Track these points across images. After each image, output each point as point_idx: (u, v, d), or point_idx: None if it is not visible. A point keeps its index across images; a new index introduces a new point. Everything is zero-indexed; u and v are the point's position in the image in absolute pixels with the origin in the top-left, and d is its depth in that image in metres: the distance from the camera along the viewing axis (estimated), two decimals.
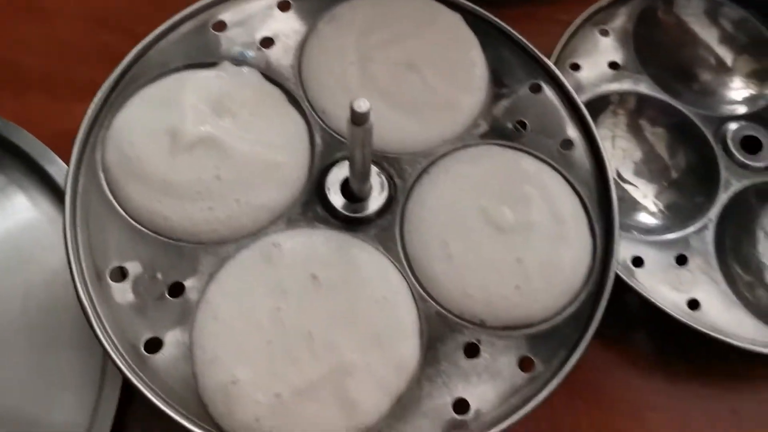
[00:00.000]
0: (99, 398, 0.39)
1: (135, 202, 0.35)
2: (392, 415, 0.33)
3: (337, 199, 0.36)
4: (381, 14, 0.41)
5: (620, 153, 0.49)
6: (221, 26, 0.40)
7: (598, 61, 0.50)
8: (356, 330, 0.33)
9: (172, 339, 0.33)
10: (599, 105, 0.49)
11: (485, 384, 0.34)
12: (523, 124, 0.40)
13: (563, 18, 0.52)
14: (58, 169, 0.45)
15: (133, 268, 0.34)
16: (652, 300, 0.41)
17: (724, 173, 0.48)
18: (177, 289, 0.34)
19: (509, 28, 0.42)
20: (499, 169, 0.39)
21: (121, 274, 0.34)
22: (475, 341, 0.35)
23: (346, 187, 0.37)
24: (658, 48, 0.52)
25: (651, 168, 0.49)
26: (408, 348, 0.34)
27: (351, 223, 0.36)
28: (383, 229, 0.37)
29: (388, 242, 0.36)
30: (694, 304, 0.43)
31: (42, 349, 0.41)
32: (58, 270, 0.42)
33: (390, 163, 0.38)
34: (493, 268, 0.36)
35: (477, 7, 0.42)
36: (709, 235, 0.46)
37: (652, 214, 0.48)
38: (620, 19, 0.52)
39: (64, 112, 0.48)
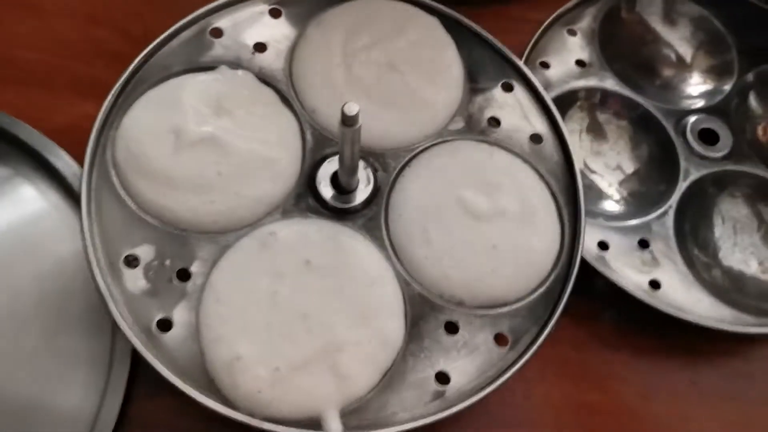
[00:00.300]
0: (108, 378, 0.42)
1: (143, 195, 0.38)
2: (380, 387, 0.36)
3: (327, 192, 0.40)
4: (364, 19, 0.44)
5: (587, 145, 0.51)
6: (218, 33, 0.43)
7: (566, 59, 0.52)
8: (347, 310, 0.37)
9: (181, 319, 0.36)
10: (567, 100, 0.51)
11: (464, 358, 0.37)
12: (497, 120, 0.44)
13: (535, 17, 0.54)
14: (63, 162, 0.46)
15: (144, 255, 0.37)
16: (616, 282, 0.44)
17: (683, 163, 0.50)
18: (183, 275, 0.37)
19: (482, 30, 0.45)
20: (475, 162, 0.42)
21: (133, 261, 0.37)
22: (454, 319, 0.38)
23: (335, 180, 0.40)
24: (621, 46, 0.55)
25: (616, 159, 0.51)
26: (394, 326, 0.37)
27: (340, 213, 0.40)
28: (370, 218, 0.40)
29: (374, 230, 0.40)
30: (655, 285, 0.46)
31: (54, 333, 0.43)
32: (67, 257, 0.44)
33: (375, 158, 0.41)
34: (470, 252, 0.39)
35: (452, 11, 0.45)
36: (670, 220, 0.48)
37: (617, 201, 0.50)
38: (587, 20, 0.54)
39: (65, 105, 0.50)
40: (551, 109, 0.44)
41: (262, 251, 0.37)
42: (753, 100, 0.54)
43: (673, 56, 0.55)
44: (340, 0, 0.45)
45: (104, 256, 0.37)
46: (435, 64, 0.44)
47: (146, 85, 0.41)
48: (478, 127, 0.43)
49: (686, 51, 0.56)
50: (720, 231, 0.50)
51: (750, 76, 0.55)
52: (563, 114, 0.49)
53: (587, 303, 0.47)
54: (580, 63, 0.53)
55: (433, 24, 0.45)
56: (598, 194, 0.50)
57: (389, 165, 0.41)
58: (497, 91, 0.44)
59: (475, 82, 0.44)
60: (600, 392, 0.46)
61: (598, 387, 0.47)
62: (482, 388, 0.36)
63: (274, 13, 0.44)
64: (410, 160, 0.42)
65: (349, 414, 0.35)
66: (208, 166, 0.38)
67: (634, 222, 0.48)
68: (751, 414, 0.47)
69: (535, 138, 0.43)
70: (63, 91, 0.52)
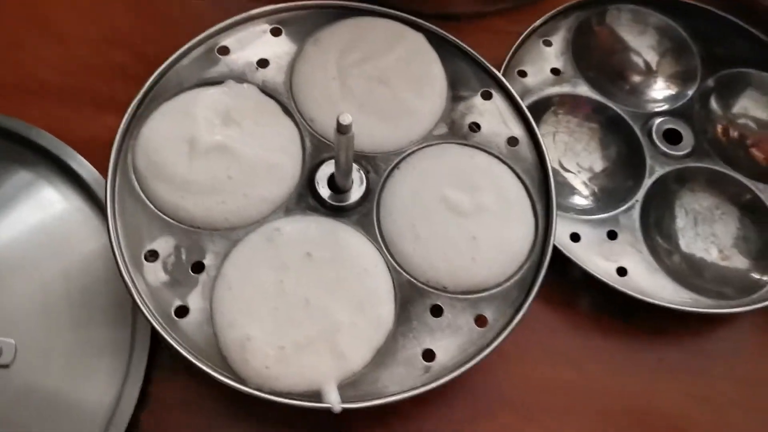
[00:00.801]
0: (129, 363, 0.46)
1: (161, 197, 0.43)
2: (374, 363, 0.41)
3: (324, 192, 0.44)
4: (357, 36, 0.49)
5: (562, 146, 0.55)
6: (224, 50, 0.48)
7: (542, 68, 0.57)
8: (343, 296, 0.41)
9: (196, 306, 0.41)
10: (543, 106, 0.55)
11: (448, 338, 0.42)
12: (478, 126, 0.48)
13: (514, 29, 0.58)
14: (83, 167, 0.50)
15: (162, 250, 0.42)
16: (587, 269, 0.49)
17: (649, 161, 0.54)
18: (198, 267, 0.42)
19: (464, 44, 0.50)
20: (457, 164, 0.46)
21: (152, 256, 0.41)
22: (439, 303, 0.43)
23: (332, 182, 0.44)
24: (593, 55, 0.59)
25: (588, 158, 0.55)
26: (385, 310, 0.42)
27: (337, 210, 0.44)
28: (363, 215, 0.45)
29: (367, 226, 0.44)
30: (622, 271, 0.50)
31: (81, 325, 0.47)
32: (90, 255, 0.49)
33: (367, 161, 0.46)
34: (453, 244, 0.44)
35: (437, 28, 0.50)
36: (636, 213, 0.52)
37: (588, 197, 0.54)
38: (561, 31, 0.59)
39: (86, 120, 0.54)
40: (526, 115, 0.48)
41: (268, 245, 0.42)
42: (714, 103, 0.58)
43: (640, 63, 0.59)
44: (335, 18, 0.50)
45: (127, 251, 0.41)
46: (421, 76, 0.49)
47: (162, 98, 0.45)
48: (460, 132, 0.48)
49: (653, 58, 0.59)
50: (682, 222, 0.54)
51: (711, 81, 0.58)
52: (539, 118, 0.55)
53: (561, 291, 0.51)
54: (555, 71, 0.57)
55: (419, 40, 0.50)
56: (571, 190, 0.54)
57: (380, 167, 0.46)
58: (478, 99, 0.49)
59: (457, 91, 0.49)
60: (575, 371, 0.50)
61: (573, 366, 0.50)
62: (464, 363, 0.41)
63: (275, 32, 0.49)
64: (399, 162, 0.46)
65: (345, 387, 0.40)
66: (220, 171, 0.43)
67: (603, 215, 0.52)
68: (713, 387, 0.51)
69: (512, 141, 0.48)
70: (84, 107, 0.55)
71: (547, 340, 0.51)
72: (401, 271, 0.43)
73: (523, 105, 0.49)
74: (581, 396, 0.50)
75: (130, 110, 0.44)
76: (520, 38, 0.56)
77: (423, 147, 0.47)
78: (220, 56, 0.47)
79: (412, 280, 0.43)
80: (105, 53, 0.58)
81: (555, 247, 0.46)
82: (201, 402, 0.46)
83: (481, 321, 0.43)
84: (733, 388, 0.51)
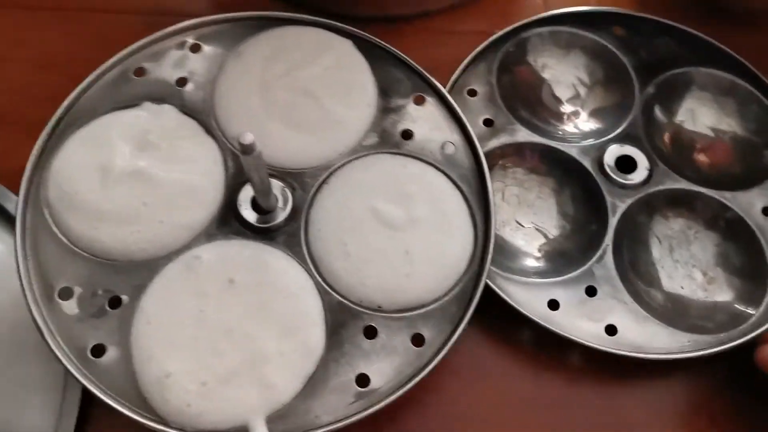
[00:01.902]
0: (63, 400, 0.44)
1: (74, 230, 0.41)
2: (304, 393, 0.39)
3: (248, 214, 0.42)
4: (281, 47, 0.47)
5: (515, 200, 0.51)
6: (141, 72, 0.46)
7: (474, 121, 0.51)
8: (270, 323, 0.39)
9: (114, 344, 0.39)
10: (488, 163, 0.46)
11: (383, 360, 0.40)
12: (410, 133, 0.46)
13: (458, 28, 0.57)
14: (10, 201, 0.48)
15: (77, 286, 0.40)
16: (575, 338, 0.44)
17: (608, 198, 0.49)
18: (115, 302, 0.40)
19: (394, 48, 0.48)
20: (389, 174, 0.45)
21: (67, 293, 0.40)
22: (373, 324, 0.41)
23: (255, 203, 0.42)
24: (522, 95, 0.54)
25: (545, 209, 0.51)
26: (315, 335, 0.40)
27: (262, 232, 0.42)
28: (290, 235, 0.43)
29: (294, 246, 0.42)
30: (611, 330, 0.45)
31: (13, 362, 0.45)
32: (19, 291, 0.47)
33: (293, 178, 0.44)
34: (385, 260, 0.42)
35: (365, 33, 0.48)
36: (609, 260, 0.48)
37: (553, 255, 0.49)
38: (482, 76, 0.53)
39: (17, 148, 0.53)
40: (461, 118, 0.46)
41: (187, 274, 0.40)
42: (658, 112, 0.54)
43: (572, 91, 0.55)
44: (258, 30, 0.48)
45: (41, 289, 0.40)
46: (348, 85, 0.47)
47: (74, 126, 0.43)
48: (392, 141, 0.46)
49: (586, 81, 0.56)
50: (658, 252, 0.50)
51: (651, 89, 0.54)
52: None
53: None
54: (487, 122, 0.52)
55: (347, 47, 0.48)
56: (534, 251, 0.50)
57: (307, 184, 0.44)
58: (410, 105, 0.47)
59: (388, 98, 0.47)
60: (531, 384, 0.48)
61: (529, 380, 0.48)
62: (400, 387, 0.39)
63: (195, 48, 0.47)
64: (327, 177, 0.44)
65: (275, 420, 0.38)
66: (134, 198, 0.41)
67: (576, 273, 0.47)
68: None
69: (447, 146, 0.46)
70: (14, 134, 0.54)
71: (501, 353, 0.49)
72: (331, 291, 0.41)
73: (457, 108, 0.46)
74: (540, 409, 0.47)
75: (40, 141, 0.42)
76: (446, 91, 0.49)
77: (352, 159, 0.45)
78: (136, 77, 0.46)
79: (343, 300, 0.41)
80: (40, 76, 0.56)
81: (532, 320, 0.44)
82: None
83: (418, 340, 0.41)
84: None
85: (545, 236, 0.50)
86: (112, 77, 0.46)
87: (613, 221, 0.49)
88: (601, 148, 0.52)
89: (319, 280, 0.41)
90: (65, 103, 0.44)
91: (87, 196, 0.41)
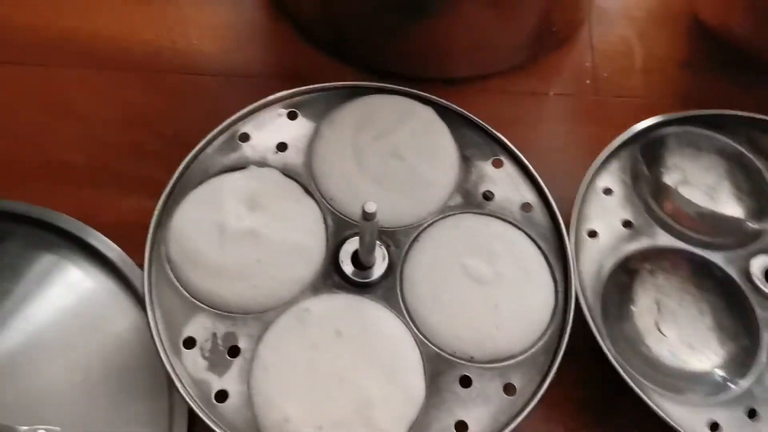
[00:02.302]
0: None
1: (195, 284, 0.44)
2: None
3: (349, 269, 0.46)
4: (369, 114, 0.51)
5: (655, 308, 0.50)
6: (245, 137, 0.50)
7: (611, 222, 0.51)
8: (375, 372, 0.43)
9: (235, 390, 0.42)
10: (630, 266, 0.48)
11: (478, 407, 0.43)
12: (491, 194, 0.50)
13: (513, 89, 0.61)
14: (107, 247, 0.52)
15: (199, 336, 0.43)
16: None
17: (759, 311, 0.48)
18: (234, 351, 0.43)
19: (470, 114, 0.52)
20: (474, 233, 0.48)
21: (190, 342, 0.43)
22: (467, 374, 0.44)
23: (355, 259, 0.46)
24: (657, 196, 0.53)
25: (689, 316, 0.50)
26: (415, 383, 0.43)
27: (362, 286, 0.46)
28: (387, 289, 0.46)
29: (392, 299, 0.46)
30: None
31: (121, 402, 0.48)
32: (124, 333, 0.50)
33: (388, 236, 0.48)
34: (476, 313, 0.45)
35: (444, 101, 0.52)
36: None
37: (706, 369, 0.48)
38: (616, 173, 0.53)
39: (110, 200, 0.56)
40: (537, 180, 0.50)
41: (299, 325, 0.44)
42: None
43: (709, 197, 0.54)
44: (347, 98, 0.52)
45: (167, 339, 0.43)
46: (433, 148, 0.51)
47: (189, 187, 0.47)
48: (475, 201, 0.50)
49: (726, 191, 0.55)
50: None
51: None
52: (631, 285, 0.50)
53: None
54: (626, 224, 0.51)
55: (429, 113, 0.52)
56: (682, 365, 0.49)
57: (401, 241, 0.48)
58: (489, 167, 0.51)
59: (469, 162, 0.51)
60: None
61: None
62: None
63: (292, 116, 0.51)
64: (418, 235, 0.48)
65: None
66: (249, 255, 0.45)
67: (735, 392, 0.46)
68: None
69: (526, 206, 0.50)
70: (106, 188, 0.58)
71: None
72: (428, 343, 0.45)
73: (533, 169, 0.50)
74: None
75: (161, 201, 0.46)
76: (581, 194, 0.51)
77: (441, 218, 0.49)
78: (241, 142, 0.49)
79: (440, 351, 0.44)
80: (125, 132, 0.60)
81: None
82: None
83: (509, 389, 0.44)
84: None
85: (691, 348, 0.49)
86: (220, 142, 0.49)
87: (766, 337, 0.48)
88: (747, 258, 0.51)
89: (416, 332, 0.45)
90: (180, 167, 0.47)
91: (206, 252, 0.45)
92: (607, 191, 0.53)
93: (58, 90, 0.62)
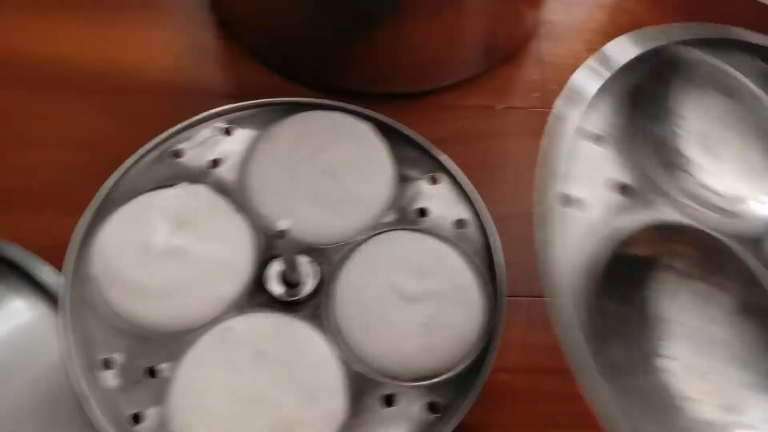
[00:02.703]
0: None
1: (116, 304, 0.44)
2: None
3: (276, 287, 0.46)
4: (305, 131, 0.51)
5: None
6: (179, 153, 0.50)
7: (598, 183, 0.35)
8: (295, 392, 0.42)
9: (152, 412, 0.42)
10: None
11: (400, 427, 0.43)
12: (426, 210, 0.50)
13: (462, 104, 0.61)
14: (46, 274, 0.49)
15: (117, 358, 0.43)
16: None
17: None
18: (152, 372, 0.43)
19: (410, 131, 0.51)
20: (406, 250, 0.48)
21: (108, 364, 0.43)
22: (391, 392, 0.44)
23: (283, 277, 0.46)
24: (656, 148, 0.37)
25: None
26: (337, 403, 0.43)
27: (288, 305, 0.45)
28: (315, 308, 0.46)
29: (318, 319, 0.45)
30: None
31: (50, 429, 0.47)
32: (58, 362, 0.49)
33: (318, 254, 0.47)
34: (403, 332, 0.45)
35: (384, 117, 0.52)
36: None
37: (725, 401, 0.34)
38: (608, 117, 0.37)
39: (51, 225, 0.56)
40: (473, 196, 0.50)
41: (220, 345, 0.43)
42: None
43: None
44: (285, 114, 0.52)
45: (83, 360, 0.43)
46: (368, 165, 0.50)
47: (117, 203, 0.47)
48: (409, 218, 0.49)
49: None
50: None
51: None
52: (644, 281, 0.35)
53: None
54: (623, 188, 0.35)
55: (366, 130, 0.51)
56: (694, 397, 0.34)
57: (331, 259, 0.47)
58: (425, 184, 0.50)
59: (404, 179, 0.50)
60: None
61: None
62: None
63: (227, 131, 0.51)
64: (349, 252, 0.47)
65: None
66: (174, 274, 0.45)
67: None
68: None
69: (460, 223, 0.49)
70: (47, 212, 0.56)
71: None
72: (353, 362, 0.44)
73: (467, 185, 0.50)
74: None
75: (85, 218, 0.46)
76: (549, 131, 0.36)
77: (373, 235, 0.48)
78: (174, 159, 0.49)
79: (364, 370, 0.44)
80: (73, 156, 0.59)
81: None
82: None
83: (433, 407, 0.43)
84: None
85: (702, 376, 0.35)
86: (151, 159, 0.49)
87: None
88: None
89: (341, 351, 0.44)
90: (108, 183, 0.47)
91: (129, 270, 0.44)
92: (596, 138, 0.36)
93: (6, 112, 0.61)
